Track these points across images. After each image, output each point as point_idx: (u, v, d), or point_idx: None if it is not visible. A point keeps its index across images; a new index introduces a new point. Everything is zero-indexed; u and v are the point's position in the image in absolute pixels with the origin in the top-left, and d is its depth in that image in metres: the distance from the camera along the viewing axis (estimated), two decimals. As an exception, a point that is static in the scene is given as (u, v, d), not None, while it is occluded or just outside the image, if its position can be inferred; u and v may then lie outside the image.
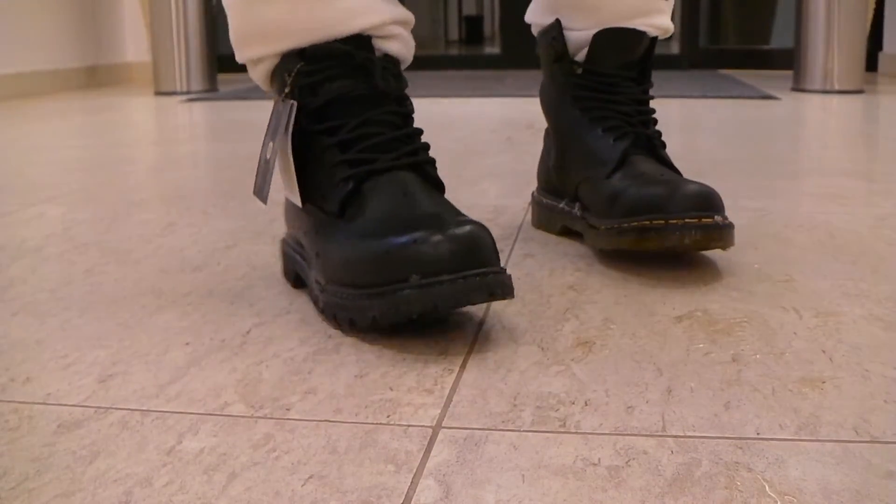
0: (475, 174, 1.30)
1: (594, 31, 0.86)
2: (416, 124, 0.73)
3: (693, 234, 0.74)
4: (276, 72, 0.73)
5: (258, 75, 0.75)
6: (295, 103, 0.69)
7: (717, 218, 0.75)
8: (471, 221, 0.63)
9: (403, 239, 0.60)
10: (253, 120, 2.13)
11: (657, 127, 0.88)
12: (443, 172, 0.73)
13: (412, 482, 0.44)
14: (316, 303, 0.68)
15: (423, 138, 0.72)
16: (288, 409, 0.52)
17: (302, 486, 0.44)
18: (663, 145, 0.87)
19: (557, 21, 0.88)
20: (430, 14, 6.86)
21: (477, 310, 0.69)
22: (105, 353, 0.62)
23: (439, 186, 0.71)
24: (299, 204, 0.71)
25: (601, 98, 0.86)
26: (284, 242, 0.77)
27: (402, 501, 0.42)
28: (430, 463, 0.46)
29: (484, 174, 1.31)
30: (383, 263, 0.61)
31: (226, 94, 2.82)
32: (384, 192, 0.67)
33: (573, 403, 0.53)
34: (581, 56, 0.88)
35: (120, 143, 1.75)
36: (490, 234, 0.63)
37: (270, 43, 0.71)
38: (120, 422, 0.51)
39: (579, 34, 0.88)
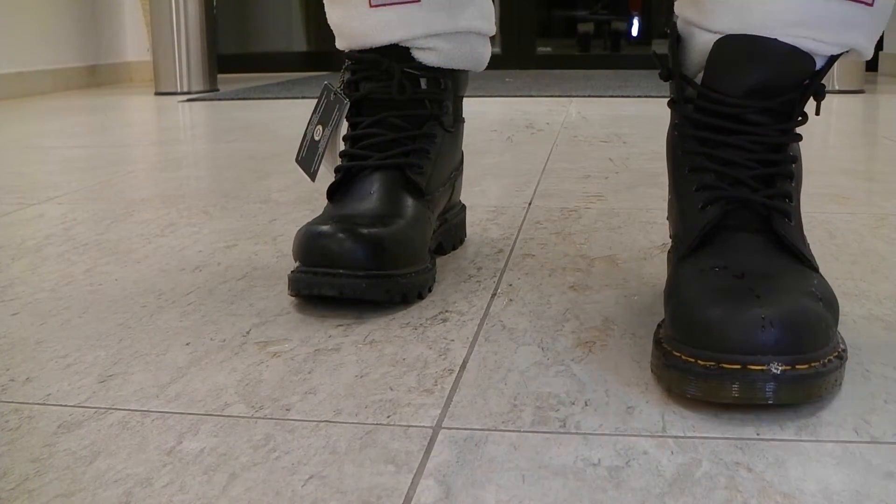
0: (475, 174, 1.30)
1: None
2: None
3: (756, 386, 0.49)
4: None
5: None
6: (349, 102, 0.77)
7: (801, 366, 0.49)
8: (386, 225, 0.69)
9: (313, 230, 0.69)
10: (253, 120, 2.13)
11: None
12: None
13: (412, 482, 0.44)
14: None
15: None
16: (288, 410, 0.52)
17: (302, 486, 0.44)
18: (787, 213, 0.60)
19: (673, 22, 0.65)
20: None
21: (477, 310, 0.69)
22: (105, 353, 0.62)
23: (416, 189, 0.76)
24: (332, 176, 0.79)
25: (709, 138, 0.62)
26: None
27: (402, 502, 0.42)
28: (430, 463, 0.46)
29: (484, 174, 1.31)
30: (295, 245, 0.70)
31: (226, 94, 2.82)
32: (361, 185, 0.75)
33: (573, 404, 0.53)
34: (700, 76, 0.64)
35: (120, 143, 1.75)
36: (396, 240, 0.69)
37: (339, 40, 0.81)
38: (120, 422, 0.51)
39: (711, 38, 0.62)
